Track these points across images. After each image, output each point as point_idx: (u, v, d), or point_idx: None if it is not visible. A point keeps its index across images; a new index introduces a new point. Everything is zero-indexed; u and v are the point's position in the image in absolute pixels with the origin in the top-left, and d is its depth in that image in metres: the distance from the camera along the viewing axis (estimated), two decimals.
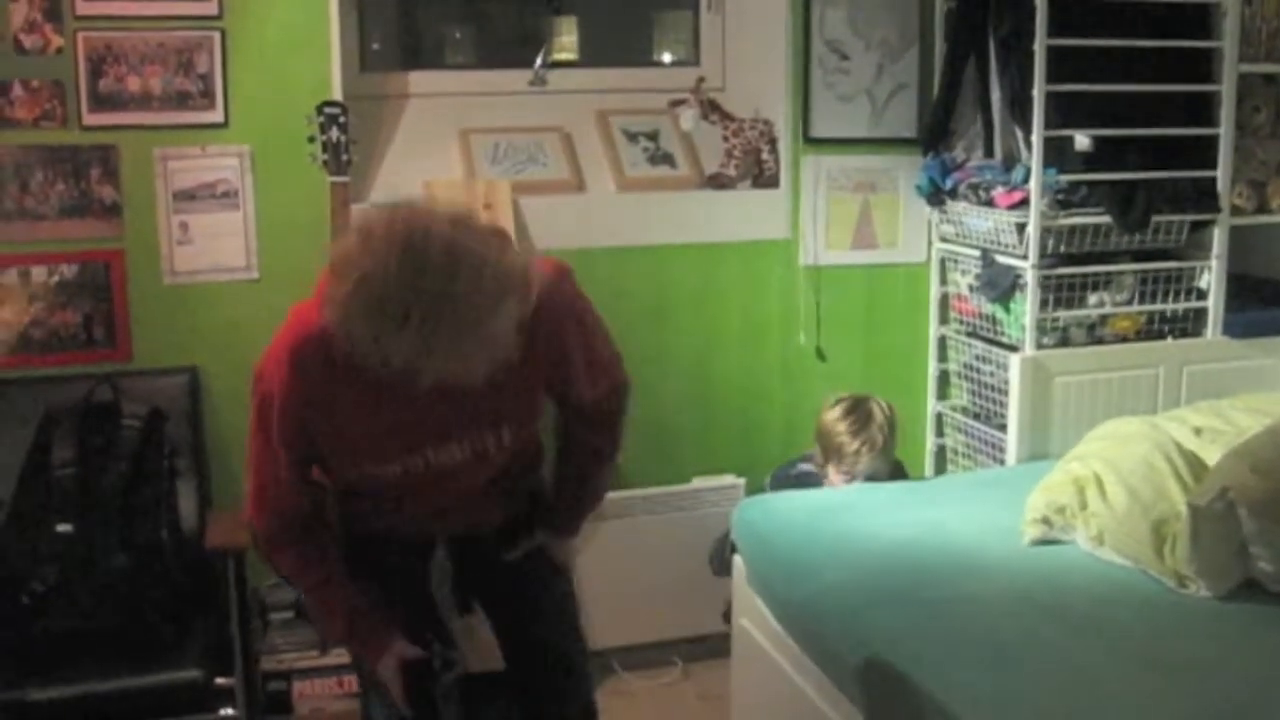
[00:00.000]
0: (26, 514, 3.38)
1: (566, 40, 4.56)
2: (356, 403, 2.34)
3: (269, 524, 2.55)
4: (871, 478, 3.70)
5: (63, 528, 3.31)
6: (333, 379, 2.29)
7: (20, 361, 3.76)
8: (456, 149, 4.20)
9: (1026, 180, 3.88)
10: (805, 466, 3.88)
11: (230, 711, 3.34)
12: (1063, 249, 3.96)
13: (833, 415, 3.73)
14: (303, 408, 2.37)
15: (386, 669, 2.57)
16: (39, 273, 3.76)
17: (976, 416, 4.34)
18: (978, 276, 4.16)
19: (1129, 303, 4.08)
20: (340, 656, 3.52)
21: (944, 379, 4.58)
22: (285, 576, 2.81)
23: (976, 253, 4.18)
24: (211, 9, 3.77)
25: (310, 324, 2.26)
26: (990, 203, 4.03)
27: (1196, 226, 4.08)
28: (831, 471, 3.74)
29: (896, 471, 3.88)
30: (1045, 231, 3.89)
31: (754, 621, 3.48)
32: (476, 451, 2.48)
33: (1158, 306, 4.11)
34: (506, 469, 2.62)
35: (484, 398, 2.33)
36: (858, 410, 3.70)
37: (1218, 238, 4.08)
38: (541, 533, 2.79)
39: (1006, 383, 4.03)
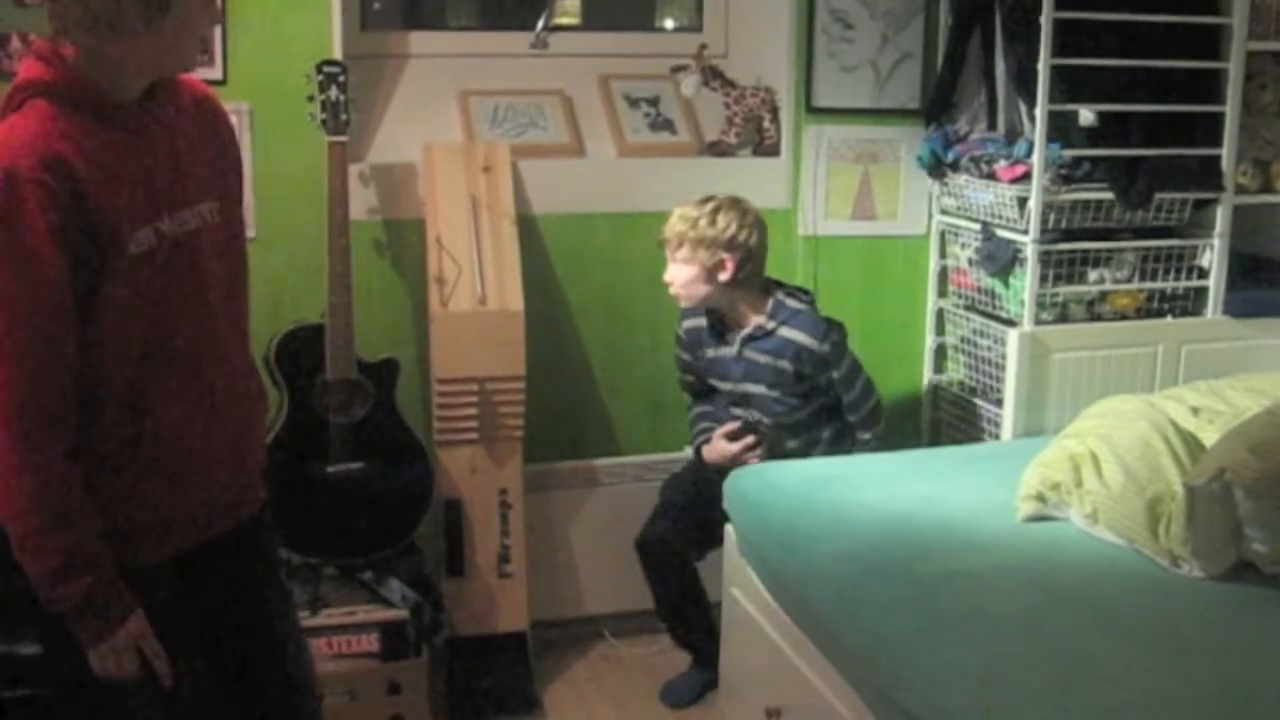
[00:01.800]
0: None
1: (569, 4, 4.53)
2: (106, 152, 2.13)
3: (43, 413, 2.06)
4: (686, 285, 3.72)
5: None
6: (89, 131, 2.11)
7: None
8: (456, 111, 4.17)
9: (1029, 154, 3.85)
10: None
11: None
12: (1064, 224, 3.93)
13: None
14: (66, 168, 2.05)
15: (134, 632, 2.19)
16: None
17: (973, 391, 4.33)
18: (977, 250, 4.14)
19: (1129, 280, 4.06)
20: (329, 617, 3.51)
21: (941, 352, 4.57)
22: (33, 522, 2.09)
23: (977, 226, 4.16)
24: None
25: (48, 83, 2.11)
26: (992, 176, 4.01)
27: (1200, 205, 4.06)
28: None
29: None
30: (1047, 206, 3.87)
31: (745, 591, 3.47)
32: (205, 220, 2.27)
33: (1158, 284, 4.08)
34: (236, 315, 2.41)
35: (197, 167, 2.28)
36: (706, 198, 3.75)
37: (1221, 216, 4.05)
38: None
39: (1004, 357, 4.01)
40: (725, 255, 3.65)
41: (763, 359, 3.74)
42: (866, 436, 3.85)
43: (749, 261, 3.69)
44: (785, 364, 3.72)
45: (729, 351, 3.79)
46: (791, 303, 3.78)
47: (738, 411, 3.87)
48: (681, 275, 3.72)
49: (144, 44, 2.10)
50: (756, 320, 3.75)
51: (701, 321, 3.84)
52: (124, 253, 2.12)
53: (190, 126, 2.30)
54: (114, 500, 2.20)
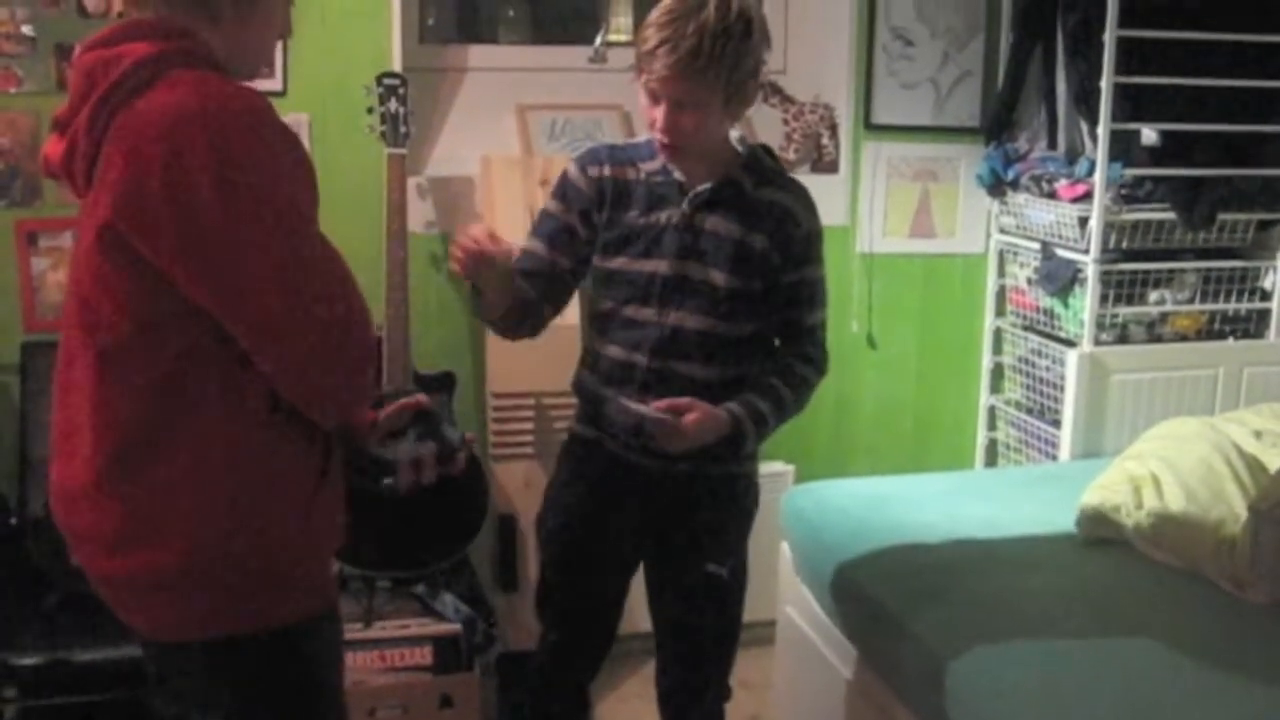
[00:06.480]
0: None
1: (622, 21, 4.53)
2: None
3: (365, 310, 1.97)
4: (679, 105, 2.45)
5: None
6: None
7: None
8: (514, 124, 4.17)
9: (1090, 173, 3.83)
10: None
11: None
12: (1125, 244, 3.90)
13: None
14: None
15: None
16: None
17: (1030, 411, 4.29)
18: (1037, 269, 4.12)
19: (1191, 301, 4.03)
20: (382, 630, 3.51)
21: (998, 372, 4.54)
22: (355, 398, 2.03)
23: (1036, 245, 4.13)
24: None
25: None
26: (1053, 195, 3.98)
27: (1263, 225, 4.03)
28: (641, 88, 2.51)
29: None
30: (1108, 226, 3.84)
31: (799, 610, 3.45)
32: None
33: (1220, 306, 4.05)
34: None
35: None
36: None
37: None
38: None
39: (1062, 378, 3.98)
40: (751, 75, 2.50)
41: (726, 228, 2.58)
42: (809, 372, 2.69)
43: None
44: (760, 240, 2.58)
45: (668, 216, 2.59)
46: (766, 159, 2.69)
47: (627, 334, 2.64)
48: (690, 120, 2.47)
49: (234, 35, 1.97)
50: (722, 173, 2.60)
51: (633, 171, 2.64)
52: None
53: None
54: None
